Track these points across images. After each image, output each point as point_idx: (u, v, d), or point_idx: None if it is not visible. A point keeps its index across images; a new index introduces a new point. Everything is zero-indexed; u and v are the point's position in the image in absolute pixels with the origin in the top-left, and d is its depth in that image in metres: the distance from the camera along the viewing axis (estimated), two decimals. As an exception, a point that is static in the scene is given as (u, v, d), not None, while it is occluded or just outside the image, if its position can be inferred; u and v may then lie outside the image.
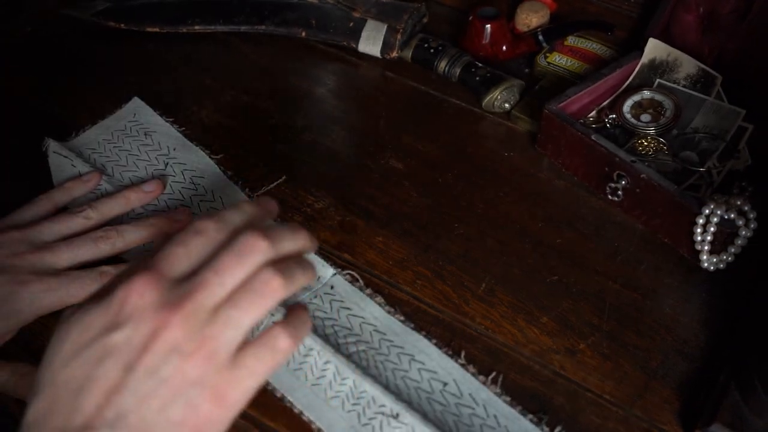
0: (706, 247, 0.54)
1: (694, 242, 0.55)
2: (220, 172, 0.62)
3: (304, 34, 0.75)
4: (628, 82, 0.68)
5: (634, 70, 0.68)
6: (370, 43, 0.73)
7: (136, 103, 0.68)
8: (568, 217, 0.60)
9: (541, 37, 0.73)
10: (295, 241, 0.39)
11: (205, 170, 0.62)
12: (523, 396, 0.48)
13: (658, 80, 0.67)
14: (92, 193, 0.59)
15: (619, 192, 0.59)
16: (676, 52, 0.67)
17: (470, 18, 0.73)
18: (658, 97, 0.65)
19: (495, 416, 0.47)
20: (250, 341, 0.36)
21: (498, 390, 0.49)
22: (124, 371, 0.34)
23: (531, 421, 0.47)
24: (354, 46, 0.74)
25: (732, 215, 0.53)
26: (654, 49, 0.67)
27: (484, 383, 0.49)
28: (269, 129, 0.67)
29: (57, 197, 0.57)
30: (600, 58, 0.73)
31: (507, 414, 0.47)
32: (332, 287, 0.54)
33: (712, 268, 0.55)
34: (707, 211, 0.53)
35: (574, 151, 0.62)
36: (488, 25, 0.72)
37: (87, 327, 0.35)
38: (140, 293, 0.35)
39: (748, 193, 0.57)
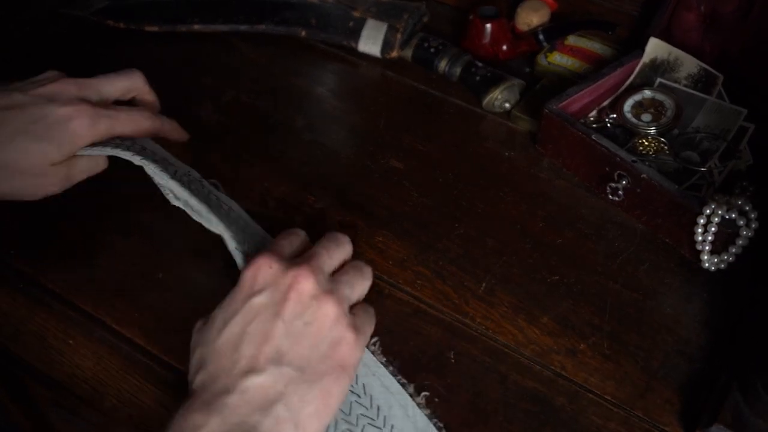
0: (707, 247, 0.54)
1: (695, 242, 0.55)
2: None
3: (304, 33, 0.75)
4: (629, 81, 0.68)
5: (635, 69, 0.68)
6: (371, 42, 0.73)
7: None
8: (568, 217, 0.60)
9: (541, 37, 0.73)
10: (344, 252, 0.49)
11: None
12: (523, 397, 0.48)
13: (659, 80, 0.67)
14: None
15: (620, 192, 0.59)
16: (677, 52, 0.67)
17: (471, 17, 0.73)
18: (659, 96, 0.65)
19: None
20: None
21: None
22: (273, 321, 0.41)
23: None
24: (354, 45, 0.74)
25: (733, 215, 0.53)
26: (655, 48, 0.67)
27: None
28: (269, 129, 0.67)
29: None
30: (601, 58, 0.72)
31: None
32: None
33: (713, 268, 0.55)
34: (708, 211, 0.53)
35: (575, 151, 0.62)
36: (489, 25, 0.72)
37: (231, 305, 0.42)
38: (267, 266, 0.43)
39: (750, 193, 0.57)
